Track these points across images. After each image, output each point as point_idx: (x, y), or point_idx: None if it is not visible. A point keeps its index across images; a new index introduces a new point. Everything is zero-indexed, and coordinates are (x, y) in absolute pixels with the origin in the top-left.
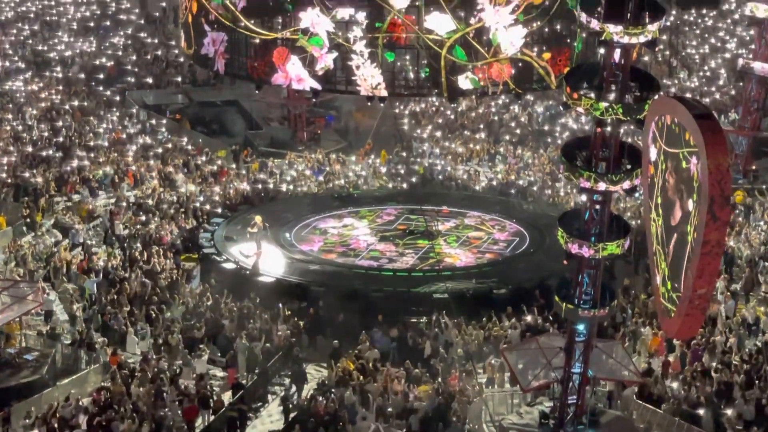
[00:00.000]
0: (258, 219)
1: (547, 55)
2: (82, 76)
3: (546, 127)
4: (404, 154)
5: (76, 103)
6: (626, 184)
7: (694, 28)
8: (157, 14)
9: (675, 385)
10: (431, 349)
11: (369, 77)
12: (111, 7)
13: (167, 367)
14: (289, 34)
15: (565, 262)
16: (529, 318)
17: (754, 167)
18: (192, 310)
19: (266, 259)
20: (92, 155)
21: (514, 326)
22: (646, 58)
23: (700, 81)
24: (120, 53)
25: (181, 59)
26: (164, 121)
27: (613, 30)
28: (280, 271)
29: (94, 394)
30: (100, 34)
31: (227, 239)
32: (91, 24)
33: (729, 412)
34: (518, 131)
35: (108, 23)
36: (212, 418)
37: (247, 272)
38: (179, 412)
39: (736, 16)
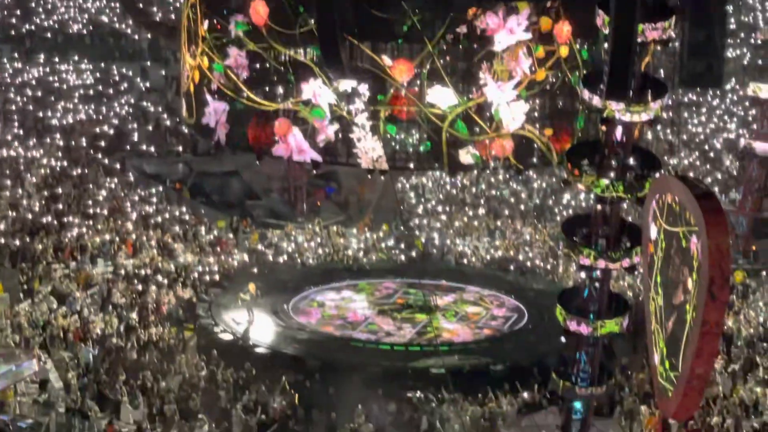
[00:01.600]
0: (251, 286)
1: (549, 131)
2: (83, 143)
3: (546, 203)
4: (403, 228)
5: (78, 170)
6: (626, 262)
7: (695, 107)
8: (159, 83)
9: None
10: (428, 424)
11: (370, 150)
12: (113, 75)
13: None
14: (291, 105)
15: (563, 339)
16: (526, 395)
17: (754, 248)
18: (188, 381)
19: (258, 327)
20: (91, 223)
21: (511, 403)
22: (648, 136)
23: (702, 160)
24: (120, 121)
25: (183, 128)
26: (163, 190)
27: (615, 107)
28: (276, 342)
29: None
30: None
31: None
32: (91, 92)
33: None
34: (520, 207)
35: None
36: None
37: (239, 339)
38: None
39: (738, 96)
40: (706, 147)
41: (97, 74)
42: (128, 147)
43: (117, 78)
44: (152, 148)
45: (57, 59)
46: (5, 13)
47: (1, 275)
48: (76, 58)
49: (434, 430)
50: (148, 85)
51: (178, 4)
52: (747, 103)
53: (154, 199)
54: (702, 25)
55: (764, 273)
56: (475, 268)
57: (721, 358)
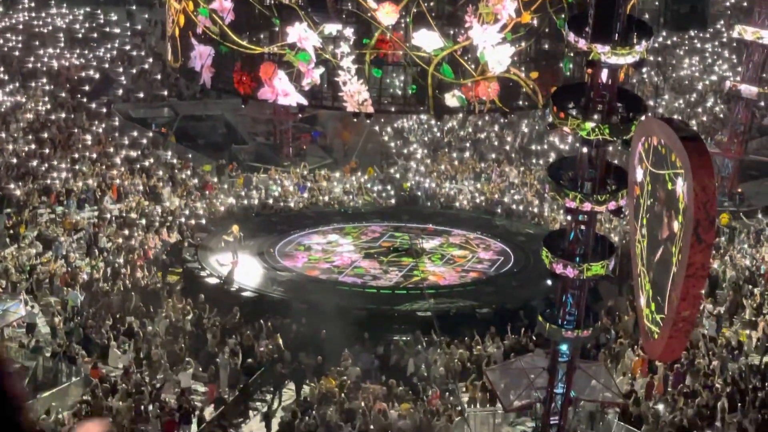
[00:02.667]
0: (234, 228)
1: (534, 74)
2: (69, 88)
3: (532, 146)
4: (390, 171)
5: (63, 115)
6: (612, 205)
7: (681, 49)
8: (144, 27)
9: (659, 407)
10: (414, 367)
11: (356, 93)
12: (98, 19)
13: (148, 382)
14: (277, 49)
15: (549, 282)
16: (512, 338)
17: (739, 190)
18: (174, 325)
19: (242, 268)
20: (77, 168)
21: (497, 346)
22: (633, 79)
23: (687, 103)
24: (106, 66)
25: (168, 72)
26: (150, 135)
27: (601, 50)
28: (263, 286)
29: (74, 408)
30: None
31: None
32: (78, 36)
33: None
34: (505, 150)
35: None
36: None
37: (222, 281)
38: (160, 427)
39: (724, 39)
40: (692, 90)
41: (82, 18)
42: (114, 91)
43: (102, 22)
44: (138, 93)
45: (41, 3)
46: None
47: None
48: (62, 2)
49: (420, 373)
50: (133, 29)
51: None
52: (733, 46)
53: (140, 144)
54: None
55: (748, 214)
56: (461, 211)
57: (706, 301)
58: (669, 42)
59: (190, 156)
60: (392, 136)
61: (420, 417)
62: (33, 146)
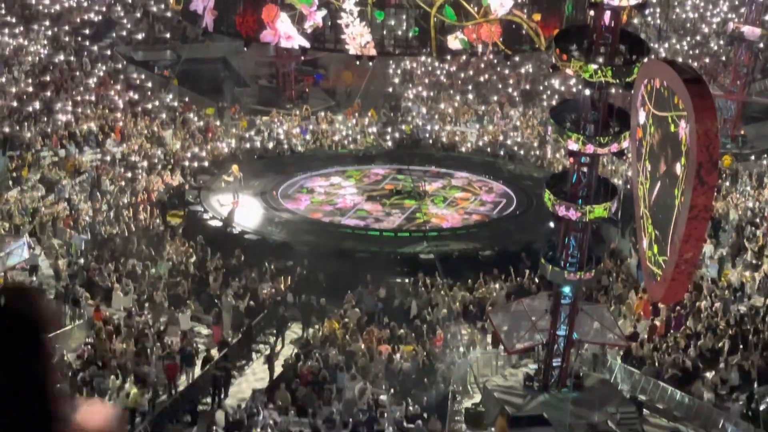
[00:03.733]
0: (234, 168)
1: (537, 17)
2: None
3: (534, 89)
4: (392, 114)
5: (64, 58)
6: (614, 147)
7: None
8: None
9: (662, 348)
10: (417, 310)
11: (358, 36)
12: None
13: (152, 324)
14: None
15: (551, 224)
16: (514, 280)
17: (742, 132)
18: (177, 267)
19: (247, 214)
20: (79, 110)
21: (500, 288)
22: (636, 21)
23: (690, 45)
24: (108, 8)
25: (170, 15)
26: (152, 78)
27: (610, 1)
28: (265, 228)
29: (78, 350)
30: None
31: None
32: None
33: (711, 376)
34: (507, 92)
35: None
36: (197, 375)
37: (222, 220)
38: (163, 369)
39: None
40: (695, 32)
41: None
42: (116, 34)
43: None
44: (140, 36)
45: None
46: None
47: None
48: None
49: (423, 315)
50: None
51: None
52: None
53: (143, 86)
54: None
55: (752, 157)
56: (463, 153)
57: (709, 243)
58: None
59: (192, 99)
60: (395, 78)
61: (423, 359)
62: (35, 89)
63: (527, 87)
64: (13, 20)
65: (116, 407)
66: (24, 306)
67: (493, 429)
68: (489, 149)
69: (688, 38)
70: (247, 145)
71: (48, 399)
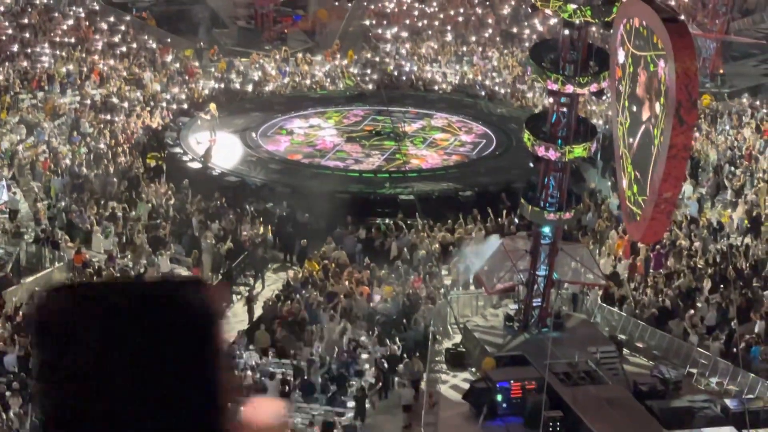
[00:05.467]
0: (212, 106)
1: None
2: None
3: (514, 29)
4: (370, 54)
5: None
6: (593, 87)
7: None
8: None
9: (641, 287)
10: (397, 251)
11: None
12: None
13: (132, 267)
14: None
15: (531, 165)
16: (495, 221)
17: (721, 71)
18: (157, 210)
19: (226, 156)
20: (57, 53)
21: (479, 228)
22: None
23: None
24: None
25: None
26: (130, 19)
27: None
28: (245, 171)
29: None
30: None
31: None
32: None
33: (690, 315)
34: (486, 33)
35: None
36: None
37: (199, 159)
38: None
39: None
40: None
41: None
42: None
43: None
44: None
45: None
46: None
47: None
48: None
49: (403, 256)
50: None
51: None
52: None
53: (121, 28)
54: None
55: (730, 96)
56: (443, 94)
57: (688, 182)
58: None
59: (170, 40)
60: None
61: (402, 299)
62: (13, 31)
63: (506, 27)
64: None
65: (282, 403)
66: (196, 298)
67: (475, 369)
68: (468, 90)
69: None
70: (226, 87)
71: (219, 396)
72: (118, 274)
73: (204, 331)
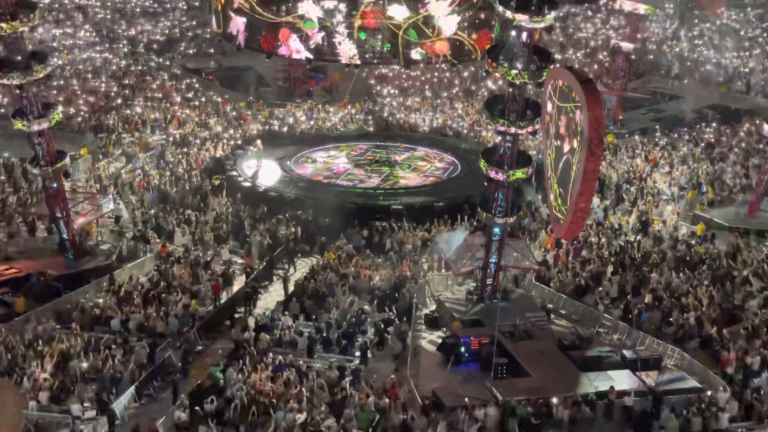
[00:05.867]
0: (258, 142)
1: (474, 36)
2: (143, 47)
3: (473, 87)
4: (371, 105)
5: (138, 67)
6: (530, 128)
7: (579, 17)
8: (197, 3)
9: (563, 271)
10: (390, 245)
11: (347, 50)
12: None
13: (202, 256)
14: (291, 19)
15: (485, 183)
16: (459, 224)
17: (621, 117)
18: (219, 215)
19: (269, 178)
20: (149, 104)
21: (448, 230)
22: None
23: (583, 55)
24: (168, 31)
25: (213, 36)
26: (200, 80)
27: (522, 18)
28: (283, 188)
29: (149, 275)
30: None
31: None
32: (150, 10)
33: (599, 290)
34: (453, 90)
35: (160, 9)
36: (234, 292)
37: (249, 179)
38: (210, 287)
39: (610, 8)
40: (587, 46)
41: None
42: (175, 50)
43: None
44: (191, 51)
45: None
46: None
47: (86, 142)
48: None
49: (395, 248)
50: (190, 4)
51: None
52: (615, 14)
53: (195, 86)
54: None
55: (627, 135)
56: (423, 133)
57: (597, 196)
58: (571, 11)
59: (228, 96)
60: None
61: (394, 279)
62: (117, 89)
63: (467, 86)
64: (99, 40)
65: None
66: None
67: (445, 329)
68: (441, 131)
69: (582, 51)
70: (268, 128)
71: None
72: (192, 261)
73: None
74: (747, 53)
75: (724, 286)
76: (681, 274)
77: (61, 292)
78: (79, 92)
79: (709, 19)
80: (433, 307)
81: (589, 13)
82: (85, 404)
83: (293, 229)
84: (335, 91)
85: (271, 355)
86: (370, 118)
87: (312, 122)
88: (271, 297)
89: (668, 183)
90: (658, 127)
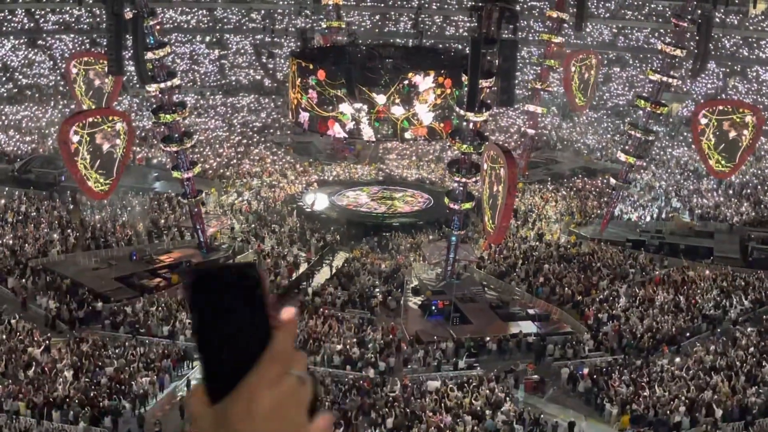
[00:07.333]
0: (312, 192)
1: (442, 125)
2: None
3: (442, 155)
4: (381, 165)
5: (244, 143)
6: (473, 179)
7: (503, 114)
8: (279, 103)
9: (493, 262)
10: (392, 246)
11: (368, 132)
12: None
13: (281, 253)
14: (335, 113)
15: (447, 210)
16: (434, 234)
17: (527, 173)
18: (292, 229)
19: (319, 205)
20: (252, 162)
21: (428, 238)
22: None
23: (506, 136)
24: (264, 120)
25: (290, 123)
26: (282, 149)
27: (470, 114)
28: (329, 212)
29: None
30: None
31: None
32: (251, 107)
33: (513, 273)
34: (430, 156)
35: (259, 107)
36: (300, 272)
37: (309, 206)
38: (286, 270)
39: (521, 109)
40: (507, 131)
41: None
42: (268, 130)
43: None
44: (278, 132)
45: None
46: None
47: (214, 184)
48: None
49: (395, 247)
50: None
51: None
52: (524, 114)
53: (278, 153)
54: (505, 78)
55: (530, 183)
56: (411, 181)
57: (513, 218)
58: (498, 112)
59: (298, 158)
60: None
61: (394, 266)
62: (233, 155)
63: (439, 154)
64: (222, 124)
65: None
66: (256, 271)
67: (423, 296)
68: (424, 180)
69: (504, 134)
70: (321, 178)
71: (269, 311)
72: (276, 255)
73: (261, 286)
74: (601, 137)
75: (586, 273)
76: (561, 266)
77: None
78: (210, 155)
79: (577, 114)
80: (416, 282)
81: (510, 112)
82: None
83: (335, 236)
84: (360, 156)
85: (321, 309)
86: (380, 172)
87: (345, 174)
88: (321, 277)
89: (555, 212)
90: (549, 178)
